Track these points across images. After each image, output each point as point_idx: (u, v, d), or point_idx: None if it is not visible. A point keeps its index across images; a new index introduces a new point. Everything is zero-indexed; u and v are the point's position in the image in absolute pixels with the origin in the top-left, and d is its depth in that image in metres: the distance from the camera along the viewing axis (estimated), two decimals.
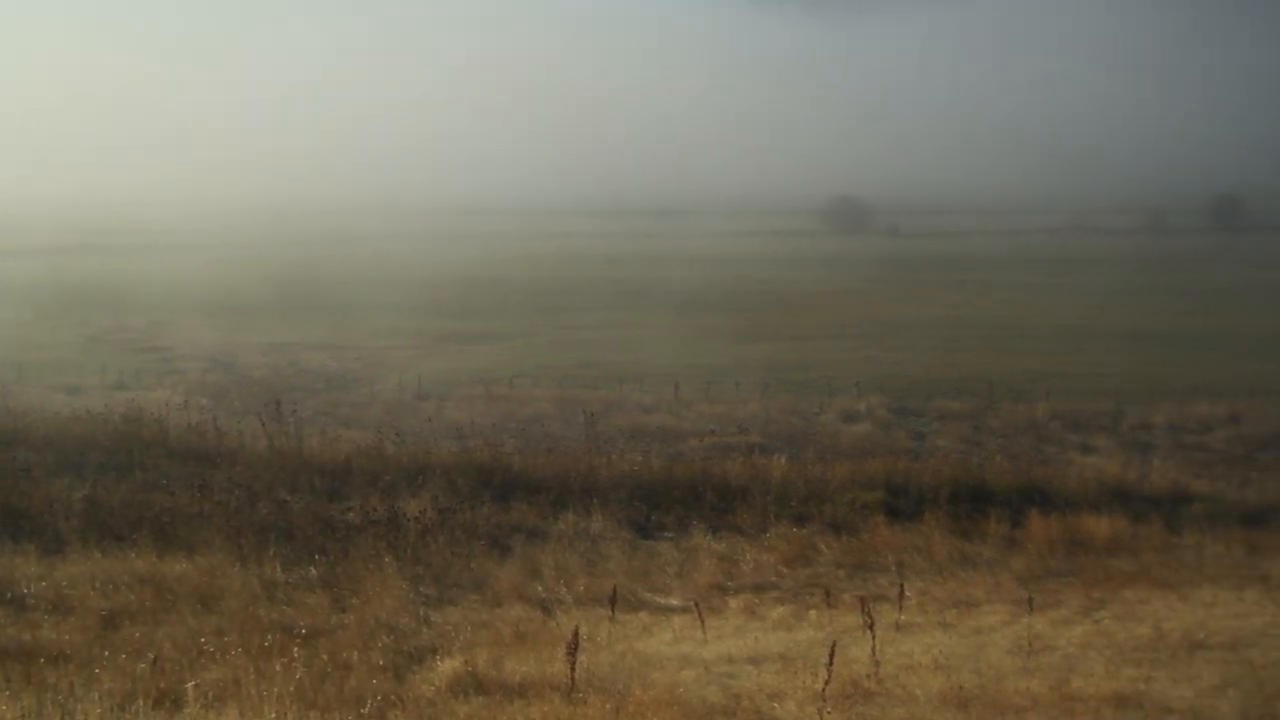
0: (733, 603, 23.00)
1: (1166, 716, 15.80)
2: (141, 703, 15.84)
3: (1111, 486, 32.74)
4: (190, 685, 16.41)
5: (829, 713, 15.69)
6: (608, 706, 16.03)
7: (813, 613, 22.02)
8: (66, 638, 19.26)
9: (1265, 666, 17.66)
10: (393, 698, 16.50)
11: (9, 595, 21.65)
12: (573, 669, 16.66)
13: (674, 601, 22.97)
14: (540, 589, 23.54)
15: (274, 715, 15.37)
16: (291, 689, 16.08)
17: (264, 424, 35.90)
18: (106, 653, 18.04)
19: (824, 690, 15.90)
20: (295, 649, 18.21)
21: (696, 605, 21.29)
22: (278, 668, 17.10)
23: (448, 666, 17.88)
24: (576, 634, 16.86)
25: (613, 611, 20.91)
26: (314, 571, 23.80)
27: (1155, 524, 29.14)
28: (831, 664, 15.93)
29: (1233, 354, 63.24)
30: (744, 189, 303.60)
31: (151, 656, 17.42)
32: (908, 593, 22.05)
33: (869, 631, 17.68)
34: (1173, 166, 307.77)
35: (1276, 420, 45.00)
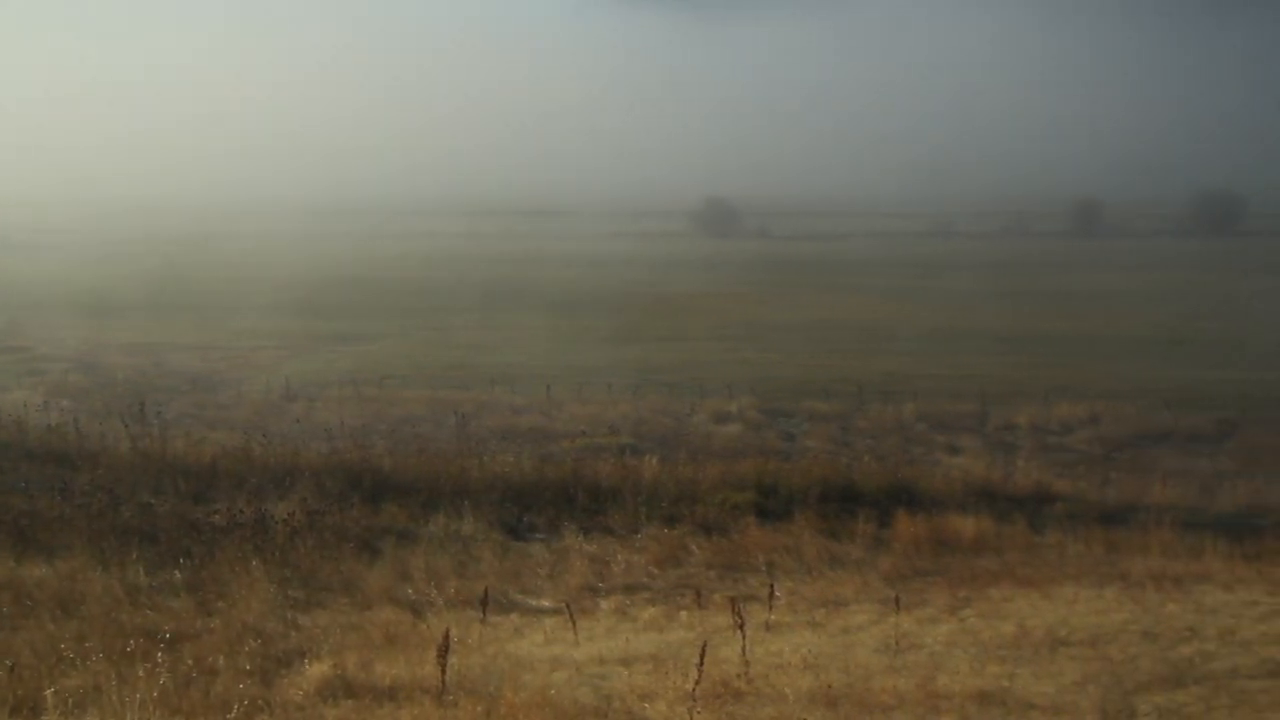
0: (604, 604, 23.00)
1: (1029, 712, 16.07)
2: None
3: (977, 486, 33.32)
4: (49, 692, 16.00)
5: (699, 713, 15.74)
6: (479, 709, 15.93)
7: (684, 613, 22.09)
8: None
9: (1124, 662, 18.05)
10: (260, 702, 16.25)
11: None
12: (444, 671, 16.53)
13: (546, 603, 22.91)
14: (411, 591, 23.35)
15: None
16: (155, 695, 15.75)
17: (127, 426, 35.19)
18: None
19: (695, 690, 15.95)
20: (159, 654, 17.85)
21: (568, 607, 21.25)
22: (140, 673, 16.74)
23: (316, 670, 17.64)
24: (447, 636, 16.73)
25: (484, 613, 20.80)
26: (179, 575, 23.36)
27: (1019, 523, 29.70)
28: (702, 664, 15.98)
29: (1092, 356, 64.63)
30: (618, 190, 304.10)
31: (9, 663, 16.97)
32: (778, 593, 22.21)
33: (739, 631, 17.77)
34: (1035, 172, 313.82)
35: (1134, 421, 46.09)
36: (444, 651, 16.51)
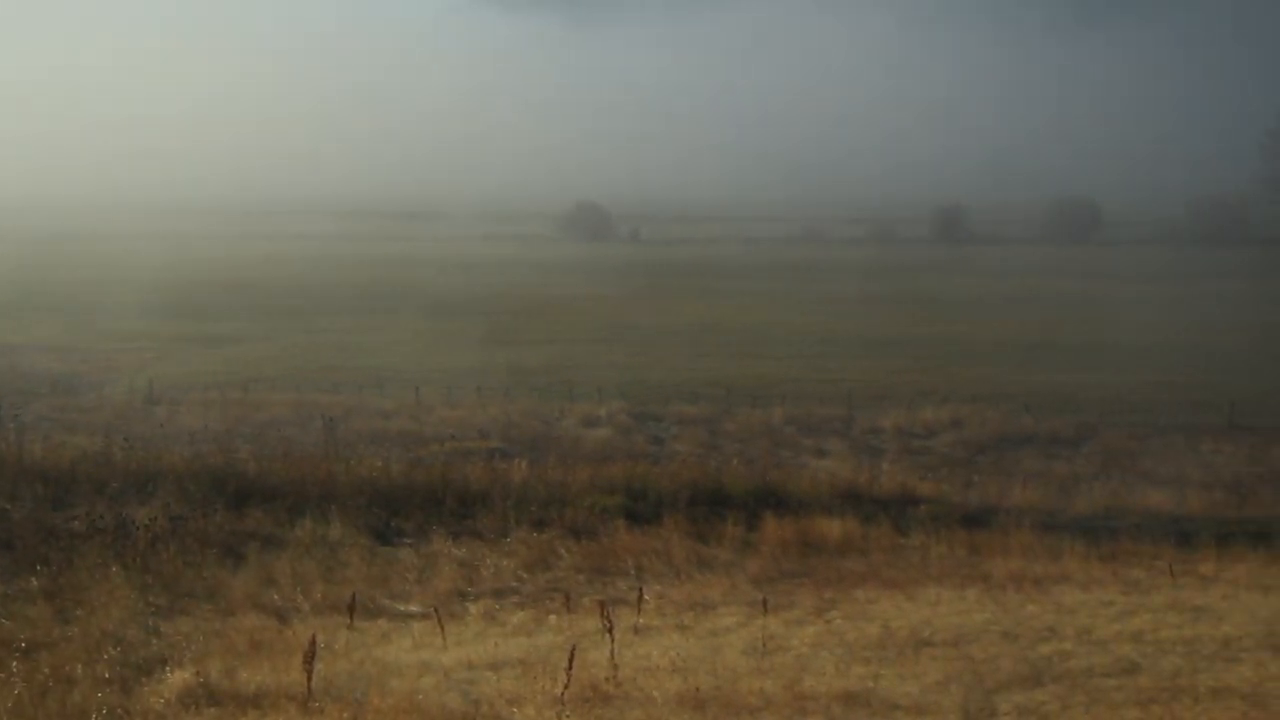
0: (473, 608, 22.93)
1: (894, 713, 16.32)
2: None
3: (843, 489, 33.73)
4: None
5: (568, 717, 15.76)
6: (345, 715, 15.81)
7: (553, 617, 22.10)
8: None
9: (985, 662, 18.39)
10: (119, 711, 15.96)
11: None
12: (309, 678, 16.37)
13: (414, 608, 22.78)
14: (276, 597, 23.08)
15: None
16: (9, 705, 15.40)
17: None
18: None
19: (563, 694, 15.97)
20: (14, 663, 17.45)
21: (436, 611, 21.15)
22: None
23: (178, 678, 17.38)
24: (314, 642, 16.57)
25: (351, 619, 20.63)
26: (35, 583, 22.86)
27: (884, 525, 30.14)
28: (571, 668, 16.01)
29: (956, 360, 65.71)
30: (491, 193, 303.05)
31: None
32: (647, 596, 22.31)
33: (608, 635, 17.83)
34: (901, 178, 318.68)
35: (996, 424, 46.95)
36: (310, 658, 16.35)
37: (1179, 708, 16.17)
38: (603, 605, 19.60)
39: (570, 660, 16.09)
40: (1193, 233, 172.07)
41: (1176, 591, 23.86)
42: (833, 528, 29.14)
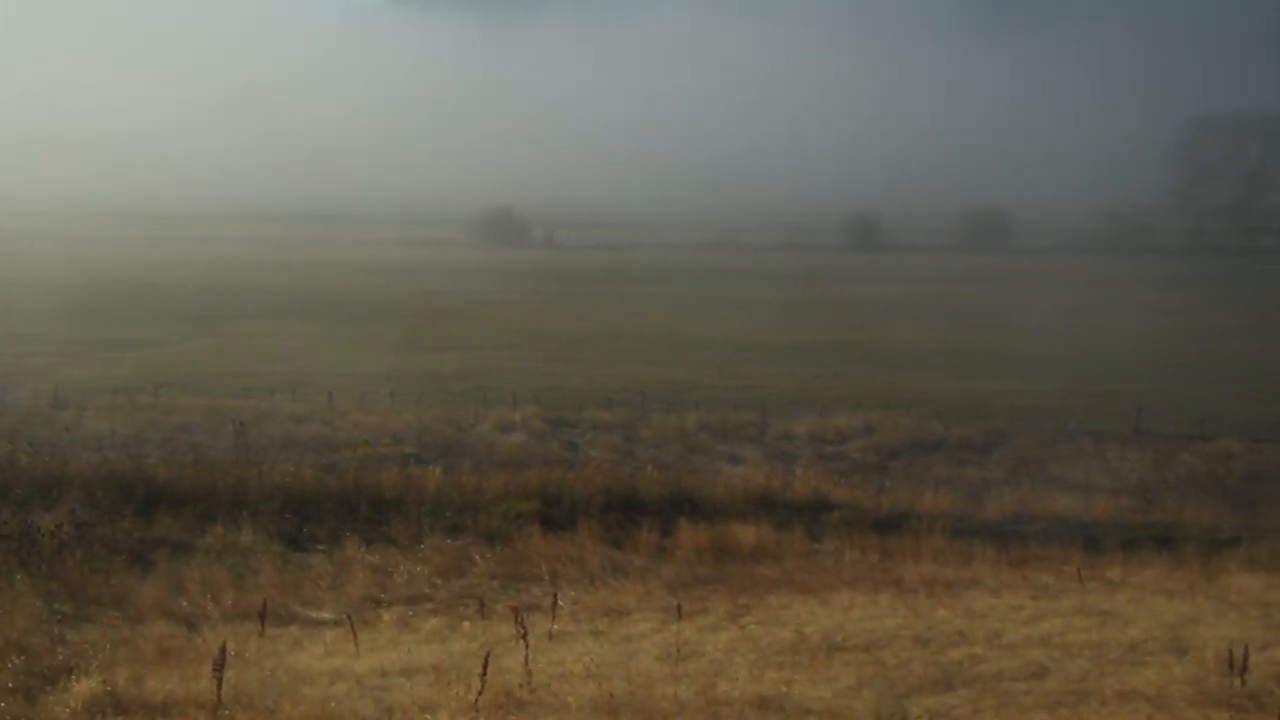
0: (386, 615, 22.79)
1: (806, 717, 16.39)
2: None
3: (757, 495, 33.90)
4: None
5: None
6: None
7: (467, 623, 22.00)
8: None
9: (897, 666, 18.53)
10: None
11: None
12: (219, 686, 16.18)
13: (326, 615, 22.60)
14: (186, 604, 22.81)
15: None
16: None
17: None
18: None
19: (477, 701, 15.91)
20: None
21: (349, 618, 20.99)
22: None
23: (84, 687, 17.10)
24: (224, 650, 16.39)
25: (262, 626, 20.42)
26: None
27: (798, 531, 30.33)
28: (485, 674, 15.95)
29: (869, 367, 66.23)
30: (407, 196, 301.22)
31: None
32: (561, 602, 22.28)
33: (522, 641, 17.78)
34: (814, 185, 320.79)
35: (908, 430, 47.38)
36: (220, 665, 16.17)
37: (1086, 710, 16.39)
38: (517, 611, 19.55)
39: (484, 666, 16.04)
40: (1101, 242, 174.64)
41: (1084, 596, 24.18)
42: (747, 533, 29.26)
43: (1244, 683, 15.81)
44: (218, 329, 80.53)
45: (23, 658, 18.71)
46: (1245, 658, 15.55)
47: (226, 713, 16.01)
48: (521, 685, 17.09)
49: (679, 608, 21.10)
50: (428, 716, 16.18)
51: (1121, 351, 71.75)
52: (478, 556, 27.15)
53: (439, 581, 25.41)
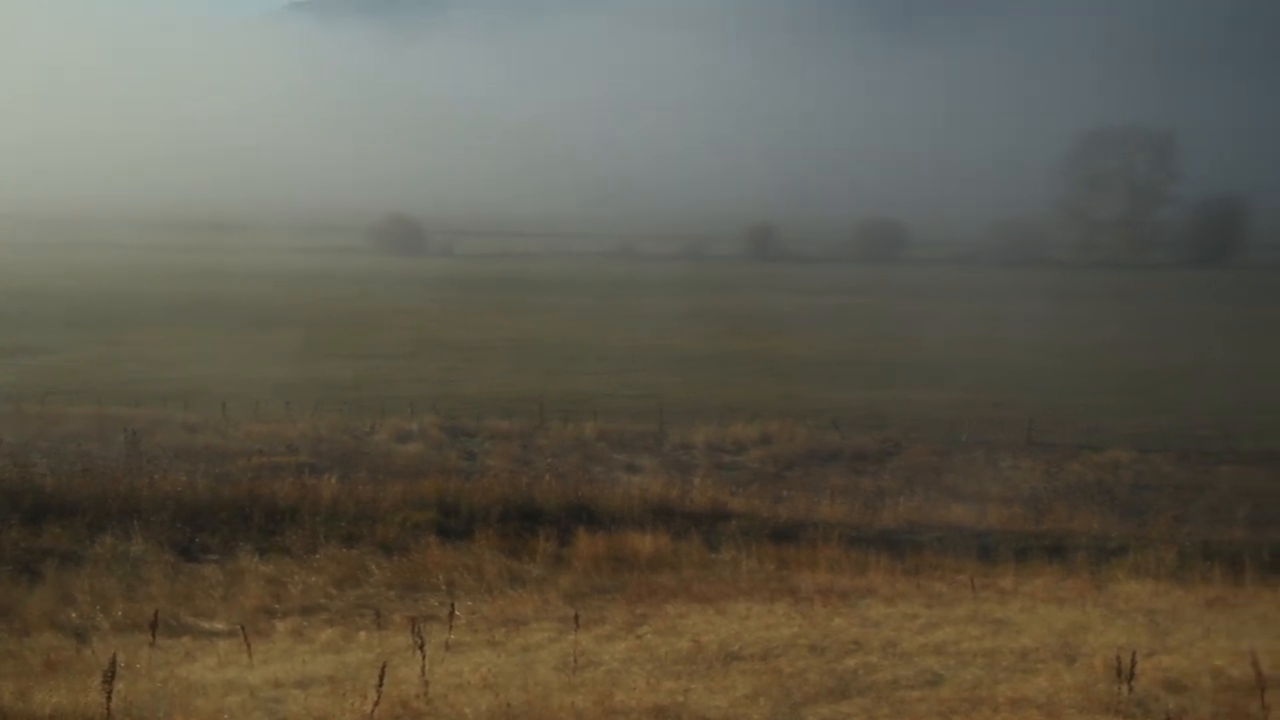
0: (280, 626, 22.54)
1: None
2: None
3: (655, 504, 33.96)
4: None
5: None
6: None
7: (363, 634, 21.82)
8: None
9: (793, 675, 18.64)
10: None
11: None
12: (109, 698, 15.89)
13: (219, 626, 22.31)
14: (75, 615, 22.41)
15: None
16: None
17: None
18: None
19: (373, 712, 15.77)
20: None
21: (243, 629, 20.73)
22: None
23: None
24: (114, 662, 16.11)
25: (153, 637, 20.09)
26: None
27: (695, 540, 30.41)
28: (381, 685, 15.82)
29: (766, 376, 66.65)
30: (305, 204, 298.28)
31: None
32: (458, 612, 22.17)
33: (419, 652, 17.66)
34: (713, 195, 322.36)
35: (805, 440, 47.74)
36: (109, 677, 15.88)
37: (979, 718, 16.58)
38: (414, 621, 19.42)
39: (380, 677, 15.91)
40: (994, 254, 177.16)
41: (977, 604, 24.48)
42: (644, 543, 29.30)
43: (1131, 689, 16.08)
44: (110, 336, 79.26)
45: None
46: (1133, 664, 15.81)
47: None
48: (418, 696, 16.97)
49: (576, 617, 21.07)
50: None
51: (1014, 362, 72.82)
52: (374, 566, 26.94)
53: (334, 592, 25.18)
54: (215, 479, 34.80)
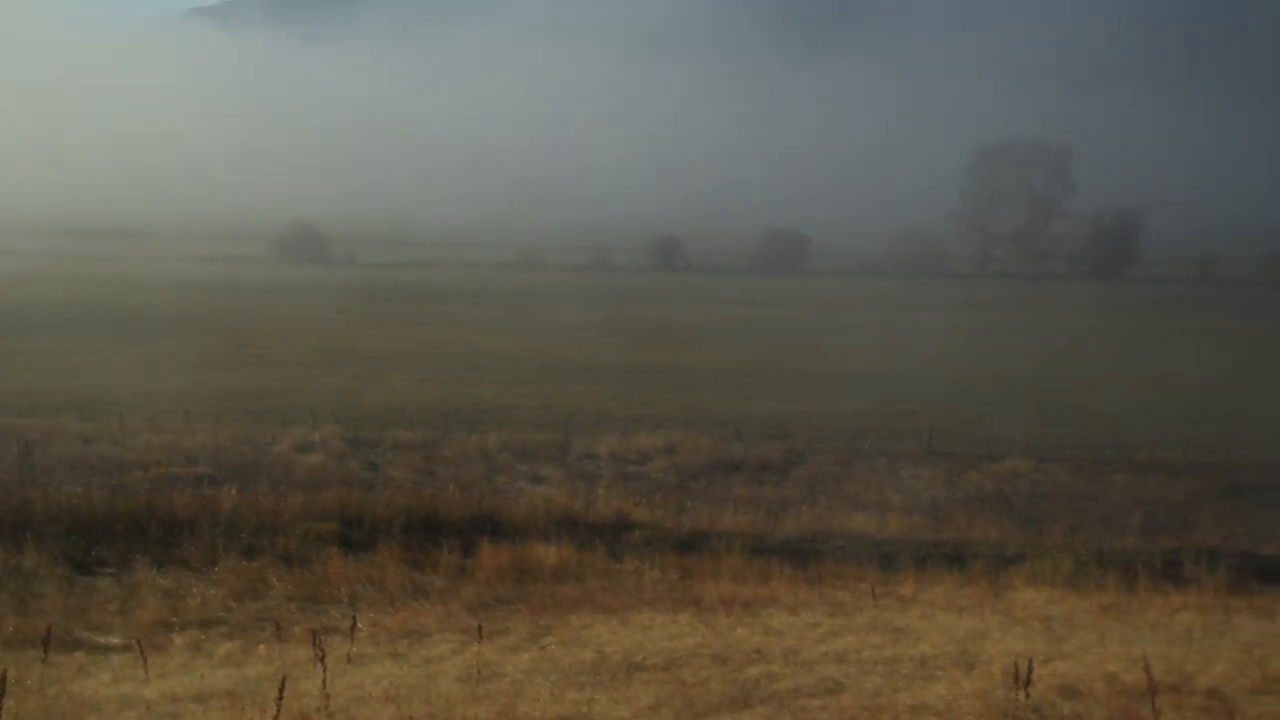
0: (178, 639, 22.23)
1: None
2: None
3: (559, 515, 33.93)
4: None
5: None
6: None
7: (263, 647, 21.57)
8: None
9: (696, 685, 18.69)
10: None
11: None
12: None
13: (114, 640, 21.95)
14: None
15: None
16: None
17: None
18: None
19: None
20: None
21: (139, 643, 20.42)
22: None
23: None
24: (4, 678, 15.79)
25: (46, 652, 19.73)
26: None
27: (599, 551, 30.44)
28: (281, 699, 15.65)
29: (671, 387, 66.80)
30: (206, 211, 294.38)
31: None
32: (360, 624, 22.00)
33: (320, 664, 17.49)
34: (618, 205, 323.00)
35: (708, 450, 47.93)
36: None
37: None
38: (315, 634, 19.24)
39: (280, 691, 15.73)
40: (896, 265, 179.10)
41: (878, 612, 24.71)
42: (548, 554, 29.27)
43: (1028, 695, 16.29)
44: (2, 345, 77.73)
45: None
46: (1030, 671, 16.03)
47: None
48: (319, 709, 16.81)
49: (480, 629, 21.00)
50: None
51: (915, 373, 73.60)
52: (275, 579, 26.66)
53: (234, 604, 24.88)
54: (111, 491, 34.27)
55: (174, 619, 23.62)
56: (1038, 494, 44.05)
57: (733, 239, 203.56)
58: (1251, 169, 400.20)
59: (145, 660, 19.59)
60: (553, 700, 17.72)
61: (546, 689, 18.42)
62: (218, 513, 31.39)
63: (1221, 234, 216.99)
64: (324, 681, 17.28)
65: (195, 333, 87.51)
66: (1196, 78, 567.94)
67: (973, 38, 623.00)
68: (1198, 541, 33.78)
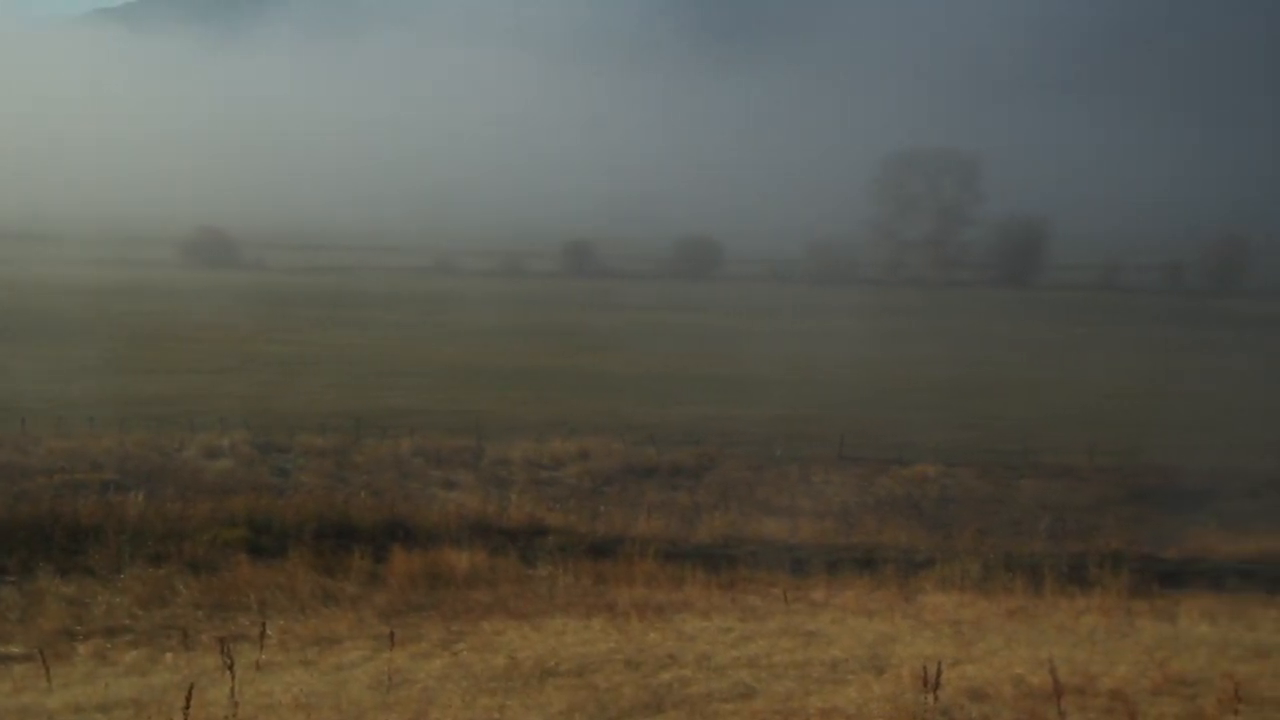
0: (82, 648, 21.89)
1: None
2: None
3: (472, 521, 33.85)
4: None
5: None
6: None
7: (169, 655, 21.30)
8: None
9: (608, 690, 18.68)
10: None
11: None
12: None
13: (15, 649, 21.57)
14: None
15: None
16: None
17: None
18: None
19: None
20: None
21: (41, 652, 20.08)
22: None
23: None
24: None
25: None
26: None
27: (512, 557, 30.37)
28: (188, 707, 15.45)
29: (584, 392, 66.79)
30: (113, 216, 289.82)
31: None
32: (270, 631, 21.77)
33: (228, 672, 17.28)
34: (530, 210, 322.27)
35: (622, 456, 47.97)
36: None
37: None
38: (223, 641, 19.01)
39: (187, 700, 15.53)
40: (808, 272, 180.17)
41: (790, 617, 24.82)
42: (461, 560, 29.14)
43: (937, 698, 16.43)
44: None
45: None
46: (938, 674, 16.17)
47: None
48: (227, 718, 16.62)
49: (391, 635, 20.85)
50: None
51: (826, 379, 74.09)
52: (182, 586, 26.33)
53: (140, 612, 24.53)
54: (14, 498, 33.75)
55: (78, 627, 23.25)
56: (947, 498, 44.51)
57: (647, 245, 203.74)
58: (1156, 177, 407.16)
59: (48, 669, 19.27)
60: (465, 707, 17.64)
61: (458, 695, 18.33)
62: (123, 519, 30.97)
63: (1127, 241, 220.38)
64: (232, 690, 17.08)
65: (101, 338, 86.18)
66: (1101, 87, 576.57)
67: (886, 47, 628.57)
68: (1102, 545, 34.33)
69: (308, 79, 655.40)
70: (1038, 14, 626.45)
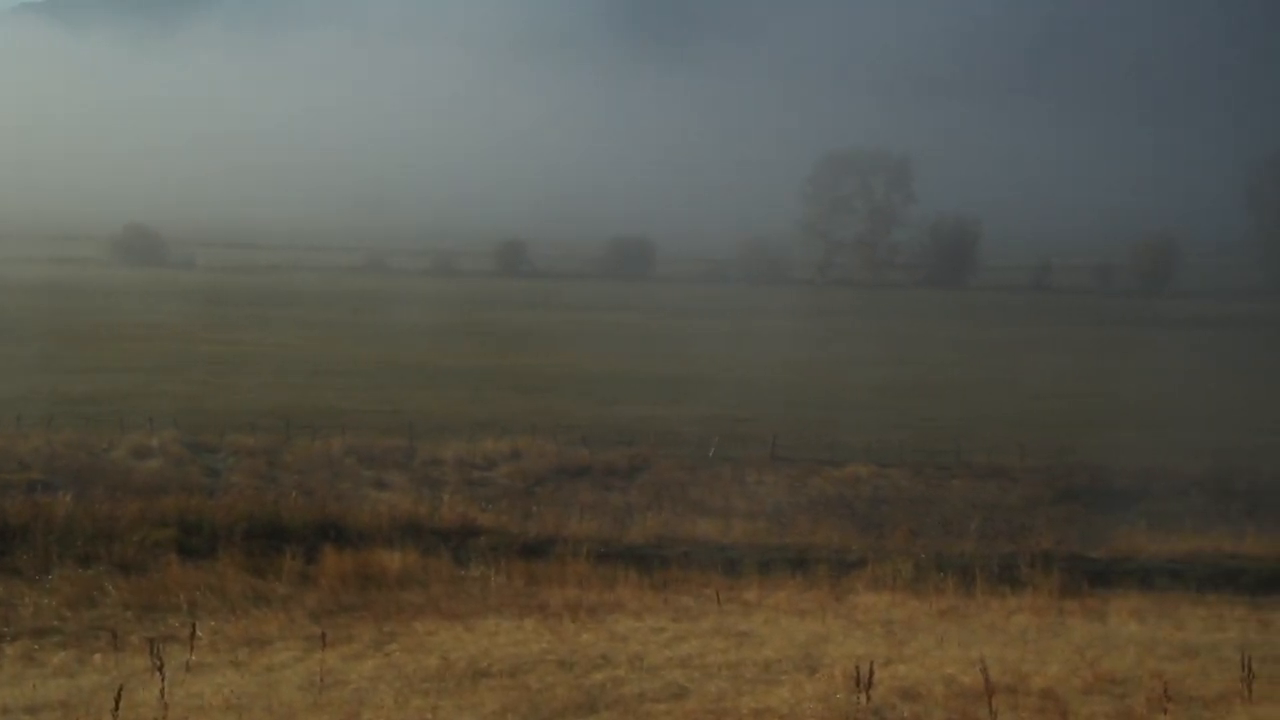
0: (9, 650, 21.65)
1: None
2: None
3: (404, 521, 33.72)
4: None
5: None
6: None
7: (98, 657, 21.11)
8: None
9: (541, 690, 18.70)
10: None
11: None
12: None
13: None
14: None
15: None
16: None
17: None
18: None
19: None
20: None
21: None
22: None
23: None
24: None
25: None
26: None
27: (444, 557, 30.30)
28: (117, 709, 15.33)
29: (517, 392, 66.69)
30: (39, 212, 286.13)
31: None
32: (200, 632, 21.63)
33: (158, 674, 17.15)
34: (464, 209, 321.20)
35: (554, 456, 47.95)
36: None
37: None
38: (153, 643, 18.88)
39: (117, 701, 15.40)
40: (740, 272, 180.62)
41: (722, 617, 24.93)
42: (393, 560, 29.05)
43: (869, 698, 16.57)
44: None
45: None
46: (870, 674, 16.29)
47: None
48: (157, 719, 16.51)
49: (323, 636, 20.78)
50: None
51: (759, 378, 74.35)
52: (111, 587, 26.08)
53: (68, 613, 24.29)
54: None
55: (5, 629, 23.00)
56: (879, 499, 44.82)
57: (580, 244, 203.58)
58: (1087, 178, 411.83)
59: None
60: (397, 708, 17.60)
61: (390, 696, 18.29)
62: (51, 520, 30.62)
63: (1057, 242, 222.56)
64: (162, 691, 16.94)
65: (27, 336, 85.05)
66: (1033, 89, 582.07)
67: (825, 50, 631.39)
68: (1033, 545, 34.65)
69: (241, 75, 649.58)
70: (979, 16, 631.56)
